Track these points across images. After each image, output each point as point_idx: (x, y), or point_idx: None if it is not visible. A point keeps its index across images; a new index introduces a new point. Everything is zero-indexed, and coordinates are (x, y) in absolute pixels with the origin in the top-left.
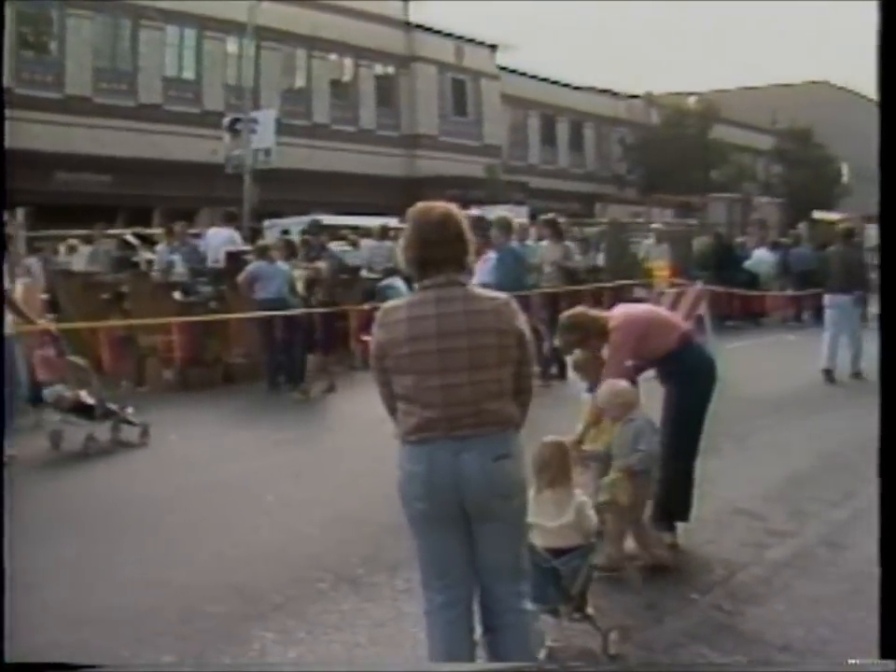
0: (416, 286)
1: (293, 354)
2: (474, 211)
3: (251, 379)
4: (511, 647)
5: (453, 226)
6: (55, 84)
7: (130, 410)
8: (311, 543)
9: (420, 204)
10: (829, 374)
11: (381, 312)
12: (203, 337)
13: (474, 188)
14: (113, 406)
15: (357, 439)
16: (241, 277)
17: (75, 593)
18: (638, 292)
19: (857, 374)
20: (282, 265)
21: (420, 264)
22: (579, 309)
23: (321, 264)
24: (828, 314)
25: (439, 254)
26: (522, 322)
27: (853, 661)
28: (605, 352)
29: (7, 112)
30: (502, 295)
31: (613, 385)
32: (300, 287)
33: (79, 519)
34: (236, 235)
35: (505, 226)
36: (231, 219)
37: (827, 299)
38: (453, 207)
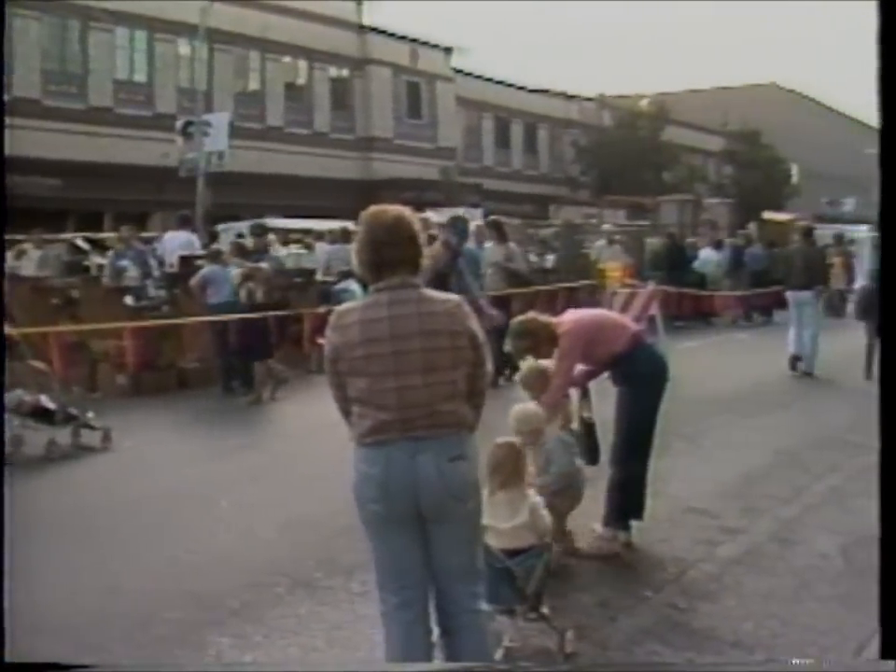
0: (371, 288)
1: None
2: (430, 214)
3: (205, 384)
4: (467, 647)
5: (405, 228)
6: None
7: (90, 414)
8: (267, 548)
9: (373, 207)
10: (796, 360)
11: (334, 315)
12: (156, 342)
13: (429, 190)
14: (74, 410)
15: (311, 442)
16: (193, 281)
17: (29, 598)
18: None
19: (809, 374)
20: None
21: (373, 267)
22: (529, 315)
23: (263, 265)
24: (791, 310)
25: (392, 256)
26: (475, 324)
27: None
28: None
29: None
30: (455, 297)
31: (521, 410)
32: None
33: (35, 524)
34: (194, 239)
35: None
36: (185, 223)
37: (789, 295)
38: (405, 210)
